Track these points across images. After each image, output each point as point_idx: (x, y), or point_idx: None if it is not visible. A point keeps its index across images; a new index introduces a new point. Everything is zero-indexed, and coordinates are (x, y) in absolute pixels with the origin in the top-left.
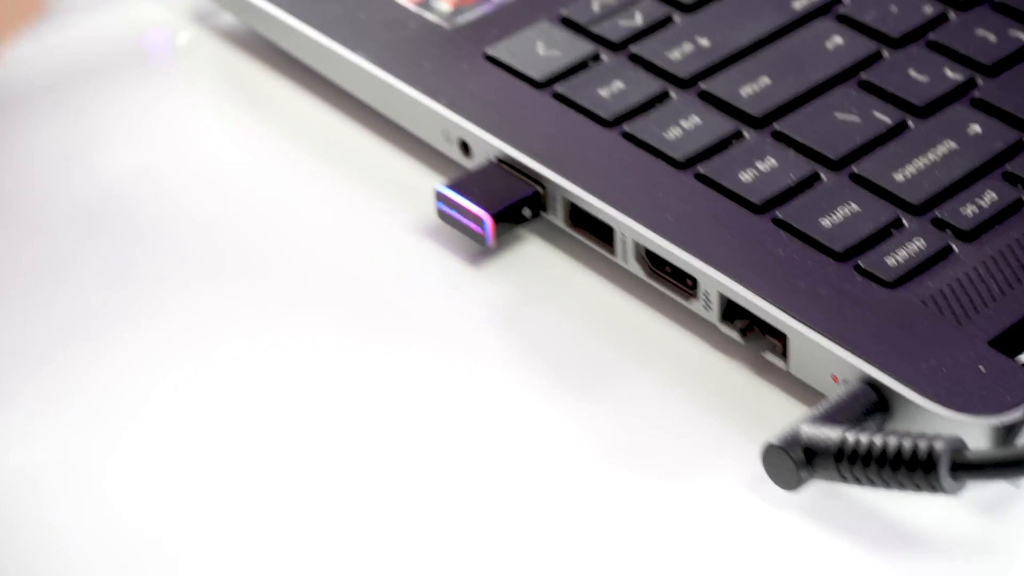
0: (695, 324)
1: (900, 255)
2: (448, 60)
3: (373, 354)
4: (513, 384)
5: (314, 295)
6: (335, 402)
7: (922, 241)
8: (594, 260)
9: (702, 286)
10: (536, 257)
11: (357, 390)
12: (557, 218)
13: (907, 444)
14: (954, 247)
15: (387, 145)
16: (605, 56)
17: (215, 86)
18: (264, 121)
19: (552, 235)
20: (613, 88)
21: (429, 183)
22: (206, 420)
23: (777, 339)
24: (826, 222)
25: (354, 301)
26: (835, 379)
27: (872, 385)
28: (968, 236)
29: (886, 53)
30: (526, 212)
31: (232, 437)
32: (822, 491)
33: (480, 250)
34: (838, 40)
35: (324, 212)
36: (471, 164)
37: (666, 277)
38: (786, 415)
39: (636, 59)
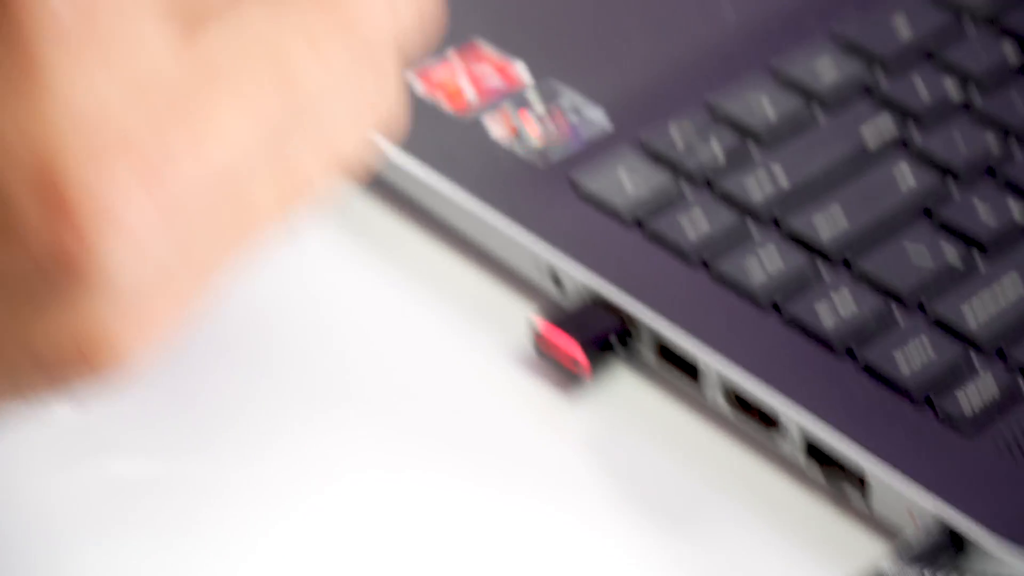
0: (779, 458)
1: (973, 397)
2: (540, 193)
3: (465, 484)
4: (601, 514)
5: (408, 423)
6: (427, 533)
7: (992, 382)
8: (682, 392)
9: (785, 424)
10: (626, 388)
11: (449, 520)
12: (646, 352)
13: None
14: None
15: (482, 273)
16: (687, 189)
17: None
18: (359, 246)
19: (642, 367)
20: (696, 223)
21: (523, 312)
22: (299, 556)
23: (857, 477)
24: (902, 362)
25: (446, 430)
26: (913, 518)
27: (948, 525)
28: None
29: (954, 188)
30: (617, 346)
31: (325, 571)
32: None
33: (573, 380)
34: (907, 174)
35: (419, 338)
36: (563, 296)
37: (751, 414)
38: (866, 550)
39: (716, 192)
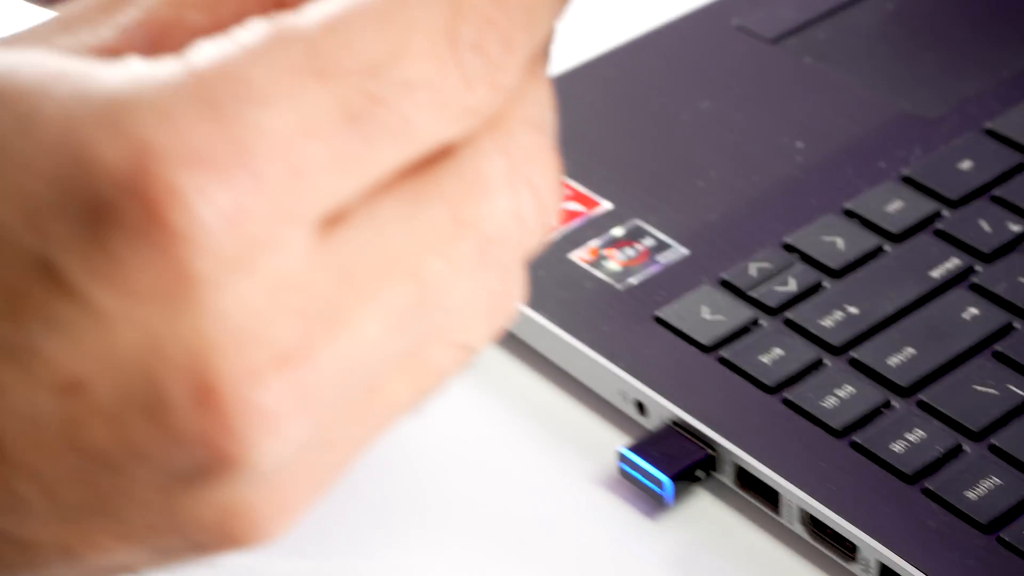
0: None
1: None
2: (621, 321)
3: None
4: None
5: (496, 543)
6: None
7: None
8: (761, 515)
9: (861, 551)
10: (708, 512)
11: None
12: (727, 478)
13: None
14: None
15: (568, 397)
16: (764, 321)
17: None
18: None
19: (723, 491)
20: (772, 354)
21: (608, 435)
22: None
23: None
24: (971, 494)
25: (533, 549)
26: None
27: None
28: None
29: (1018, 325)
30: (700, 474)
31: None
32: None
33: (656, 503)
34: (973, 310)
35: (509, 460)
36: (648, 422)
37: (828, 539)
38: None
39: (792, 325)
